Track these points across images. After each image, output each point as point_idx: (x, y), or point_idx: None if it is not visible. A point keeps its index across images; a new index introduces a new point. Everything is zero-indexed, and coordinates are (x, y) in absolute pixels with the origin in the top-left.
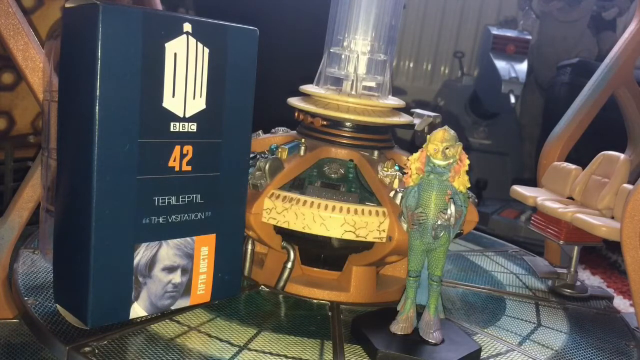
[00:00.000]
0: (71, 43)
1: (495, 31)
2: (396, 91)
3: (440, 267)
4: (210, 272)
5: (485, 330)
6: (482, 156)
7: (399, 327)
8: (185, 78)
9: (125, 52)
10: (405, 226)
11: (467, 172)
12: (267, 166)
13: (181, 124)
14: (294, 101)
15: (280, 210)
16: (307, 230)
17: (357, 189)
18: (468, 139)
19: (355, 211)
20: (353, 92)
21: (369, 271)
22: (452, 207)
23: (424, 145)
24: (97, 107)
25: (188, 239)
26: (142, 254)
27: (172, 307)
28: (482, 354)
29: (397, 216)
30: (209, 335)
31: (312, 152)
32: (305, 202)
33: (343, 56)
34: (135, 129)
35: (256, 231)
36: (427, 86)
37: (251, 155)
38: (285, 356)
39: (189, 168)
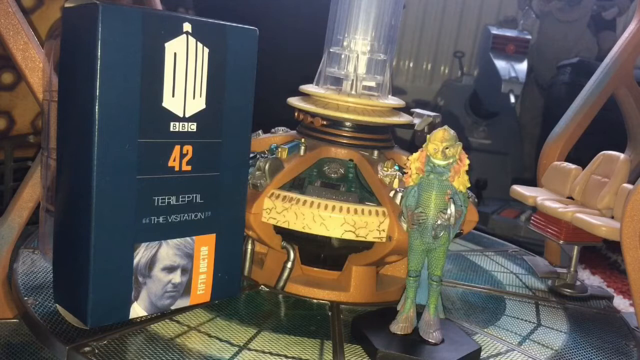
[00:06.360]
0: (71, 43)
1: (495, 31)
2: (396, 91)
3: (440, 267)
4: (210, 272)
5: (485, 330)
6: (482, 156)
7: (399, 327)
8: (185, 78)
9: (125, 52)
10: (405, 226)
11: (467, 172)
12: (267, 166)
13: (181, 123)
14: (294, 101)
15: (280, 210)
16: (307, 230)
17: (357, 188)
18: (468, 139)
19: (355, 211)
20: (353, 92)
21: (369, 271)
22: (452, 207)
23: (424, 145)
24: (97, 107)
25: (188, 238)
26: (142, 254)
27: (172, 307)
28: (482, 354)
29: (397, 216)
30: (209, 335)
31: (312, 152)
32: (305, 202)
33: (343, 56)
34: (135, 128)
35: (256, 231)
36: (427, 86)
37: (251, 155)
38: (285, 356)
39: (188, 168)
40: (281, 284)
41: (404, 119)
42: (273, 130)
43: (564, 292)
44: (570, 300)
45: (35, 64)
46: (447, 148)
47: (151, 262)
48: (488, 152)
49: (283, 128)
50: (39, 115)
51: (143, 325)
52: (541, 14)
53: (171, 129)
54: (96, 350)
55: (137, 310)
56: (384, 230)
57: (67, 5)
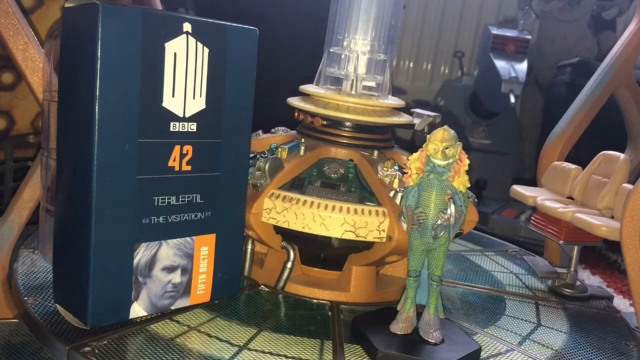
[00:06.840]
0: (71, 43)
1: (495, 31)
2: (396, 91)
3: (440, 267)
4: (210, 272)
5: (485, 330)
6: (482, 156)
7: (399, 327)
8: (185, 78)
9: (125, 52)
10: (405, 226)
11: (467, 172)
12: (267, 166)
13: (181, 123)
14: (294, 101)
15: (280, 210)
16: (307, 230)
17: (357, 188)
18: (468, 139)
19: (355, 211)
20: (353, 92)
21: (369, 271)
22: (452, 207)
23: (424, 145)
24: (97, 107)
25: (188, 238)
26: (142, 254)
27: (172, 307)
28: (482, 354)
29: (397, 216)
30: (209, 335)
31: (312, 152)
32: (305, 202)
33: (343, 56)
34: (135, 128)
35: (256, 231)
36: (427, 86)
37: (251, 155)
38: (285, 356)
39: (188, 168)
40: (281, 284)
41: (404, 119)
42: (273, 130)
43: (564, 292)
44: (570, 300)
45: (35, 64)
46: (447, 148)
47: (151, 262)
48: (488, 152)
49: (283, 128)
50: (39, 115)
51: (143, 325)
52: (541, 14)
53: (171, 129)
54: (96, 350)
55: (137, 310)
56: (384, 230)
57: (67, 5)
